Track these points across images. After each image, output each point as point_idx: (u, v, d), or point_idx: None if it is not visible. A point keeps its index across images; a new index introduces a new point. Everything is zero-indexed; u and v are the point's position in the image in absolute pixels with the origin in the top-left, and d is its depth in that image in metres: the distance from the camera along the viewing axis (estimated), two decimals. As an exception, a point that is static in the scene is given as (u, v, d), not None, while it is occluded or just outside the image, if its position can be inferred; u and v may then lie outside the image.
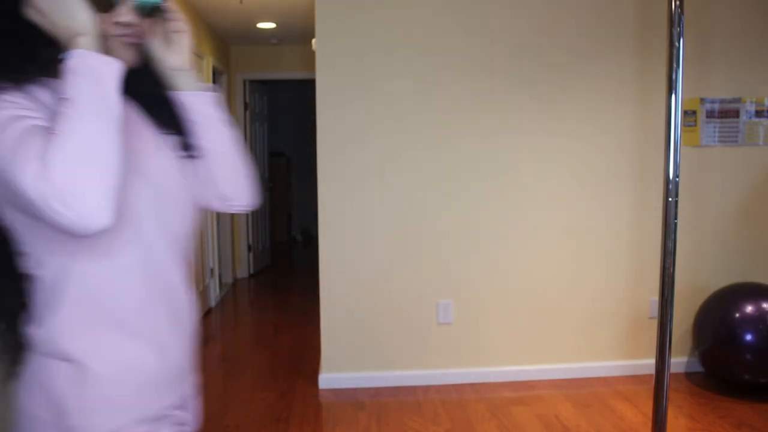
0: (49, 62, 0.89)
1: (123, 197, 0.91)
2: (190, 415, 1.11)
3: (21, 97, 0.88)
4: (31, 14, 0.90)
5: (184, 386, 1.07)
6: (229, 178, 1.12)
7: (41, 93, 0.90)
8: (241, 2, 4.38)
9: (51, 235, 0.91)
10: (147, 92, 1.07)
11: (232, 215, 6.14)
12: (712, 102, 3.48)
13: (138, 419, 0.97)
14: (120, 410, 0.95)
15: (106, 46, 0.94)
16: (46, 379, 0.93)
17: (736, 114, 3.50)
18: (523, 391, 3.34)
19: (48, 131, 0.83)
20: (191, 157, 1.09)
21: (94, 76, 0.86)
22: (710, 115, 3.49)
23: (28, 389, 0.95)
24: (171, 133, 1.08)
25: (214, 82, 5.51)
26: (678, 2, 2.03)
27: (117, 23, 0.96)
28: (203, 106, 1.10)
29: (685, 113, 3.48)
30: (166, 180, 1.03)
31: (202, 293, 4.87)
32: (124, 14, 0.97)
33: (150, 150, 1.03)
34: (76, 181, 0.80)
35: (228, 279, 6.11)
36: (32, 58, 0.90)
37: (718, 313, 3.24)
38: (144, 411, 0.98)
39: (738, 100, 3.49)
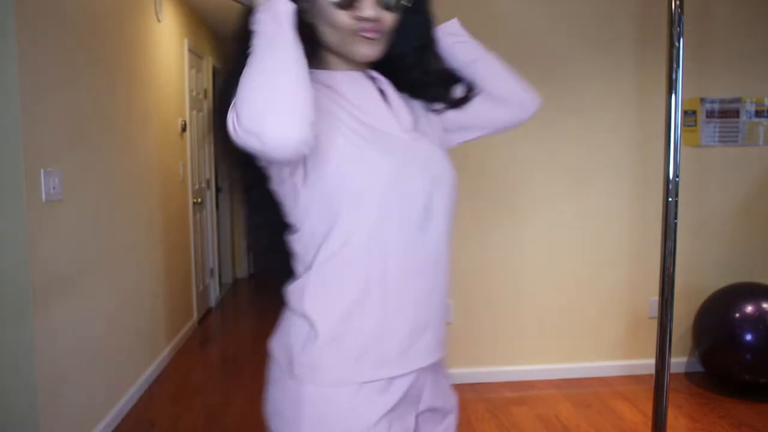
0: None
1: (373, 174, 0.98)
2: (426, 398, 1.10)
3: None
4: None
5: (413, 364, 1.04)
6: (511, 86, 1.18)
7: None
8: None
9: (308, 204, 0.99)
10: (408, 76, 1.11)
11: (232, 215, 6.14)
12: (712, 102, 3.48)
13: (355, 383, 1.00)
14: (339, 371, 1.00)
15: (348, 41, 1.01)
16: (288, 329, 1.04)
17: (736, 114, 3.50)
18: (523, 391, 3.34)
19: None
20: (471, 96, 1.15)
21: (264, 26, 0.89)
22: (710, 115, 3.49)
23: (276, 336, 1.07)
24: (446, 98, 1.14)
25: (214, 82, 5.51)
26: (678, 2, 2.03)
27: (359, 18, 0.99)
28: (456, 30, 1.18)
29: (685, 113, 3.48)
30: (419, 155, 1.04)
31: (202, 293, 4.87)
32: (367, 9, 0.98)
33: (399, 131, 1.05)
34: (260, 120, 0.83)
35: (228, 279, 6.11)
36: None
37: (718, 313, 3.24)
38: (362, 377, 1.00)
39: (738, 100, 3.49)
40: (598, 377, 3.49)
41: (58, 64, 2.43)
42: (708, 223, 3.54)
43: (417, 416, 1.11)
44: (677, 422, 2.92)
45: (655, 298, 3.42)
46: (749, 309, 3.12)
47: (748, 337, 3.06)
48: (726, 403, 3.14)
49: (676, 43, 2.05)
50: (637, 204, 3.48)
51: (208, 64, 5.19)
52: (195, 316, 4.60)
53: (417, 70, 1.12)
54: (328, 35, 1.02)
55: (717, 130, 3.50)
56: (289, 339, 1.03)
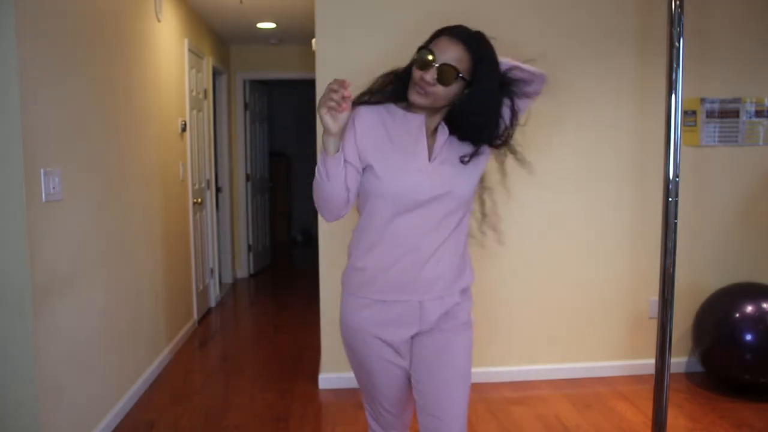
0: None
1: (389, 180, 1.57)
2: (426, 323, 1.67)
3: None
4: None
5: (411, 293, 1.63)
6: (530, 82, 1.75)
7: None
8: (241, 2, 4.37)
9: (361, 189, 1.65)
10: (463, 131, 1.62)
11: (232, 215, 6.14)
12: (712, 102, 3.48)
13: (376, 300, 1.64)
14: (366, 292, 1.65)
15: (410, 89, 1.56)
16: (347, 268, 1.71)
17: (736, 114, 3.50)
18: (523, 391, 3.34)
19: None
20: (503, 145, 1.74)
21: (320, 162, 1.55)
22: (710, 115, 3.49)
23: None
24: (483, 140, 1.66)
25: (214, 82, 5.51)
26: (678, 2, 2.03)
27: (422, 78, 1.51)
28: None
29: (685, 113, 3.48)
30: (434, 176, 1.59)
31: (202, 293, 4.87)
32: (428, 75, 1.51)
33: (425, 159, 1.61)
34: (319, 212, 1.65)
35: (228, 279, 6.11)
36: None
37: (718, 313, 3.24)
38: (381, 297, 1.63)
39: (738, 100, 3.49)
40: (598, 377, 3.49)
41: (58, 64, 2.43)
42: (708, 223, 3.54)
43: (416, 334, 1.67)
44: (677, 422, 2.92)
45: (655, 298, 3.42)
46: (749, 309, 3.12)
47: (748, 337, 3.06)
48: (726, 403, 3.14)
49: (676, 43, 2.05)
50: (637, 204, 3.49)
51: (208, 64, 5.18)
52: (195, 316, 4.60)
53: (471, 131, 1.62)
54: (410, 86, 1.57)
55: (717, 130, 3.50)
56: (347, 263, 1.70)
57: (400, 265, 1.61)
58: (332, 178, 1.53)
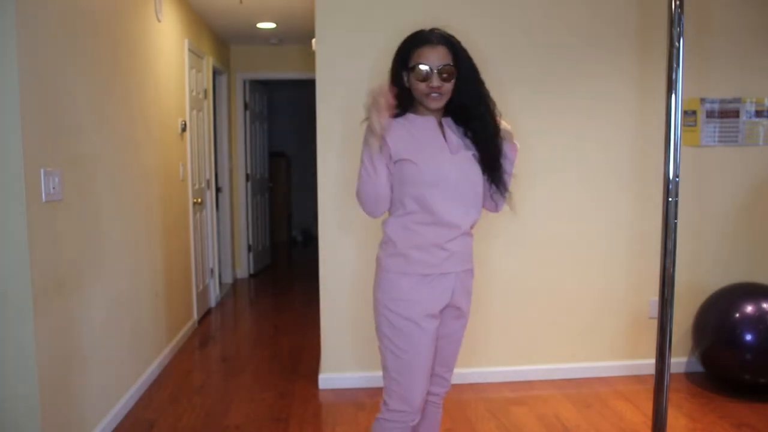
0: None
1: (421, 171, 1.81)
2: (456, 294, 1.92)
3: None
4: None
5: (449, 266, 1.88)
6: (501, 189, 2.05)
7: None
8: (241, 2, 4.37)
9: (395, 182, 1.88)
10: (466, 119, 1.92)
11: (232, 215, 6.14)
12: (712, 102, 3.48)
13: (417, 273, 1.85)
14: (400, 268, 1.86)
15: (424, 99, 1.83)
16: (384, 244, 1.93)
17: (736, 114, 3.50)
18: (523, 391, 3.34)
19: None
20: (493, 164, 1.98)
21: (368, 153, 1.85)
22: (710, 115, 3.49)
23: (380, 247, 1.95)
24: (479, 148, 1.92)
25: (214, 82, 5.51)
26: (678, 2, 2.03)
27: (430, 87, 1.79)
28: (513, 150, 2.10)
29: (685, 113, 3.48)
30: (456, 162, 1.86)
31: (202, 293, 4.87)
32: (434, 81, 1.79)
33: (446, 151, 1.87)
34: (360, 203, 1.92)
35: (228, 279, 6.11)
36: None
37: (718, 313, 3.24)
38: (420, 271, 1.85)
39: (738, 100, 3.49)
40: (598, 377, 3.49)
41: (58, 64, 2.43)
42: (708, 223, 3.54)
43: (445, 307, 1.90)
44: (677, 422, 2.92)
45: (655, 298, 3.42)
46: (749, 309, 3.12)
47: (748, 337, 3.06)
48: (726, 403, 3.14)
49: (676, 43, 2.05)
50: (637, 204, 3.48)
51: (208, 64, 5.18)
52: (195, 316, 4.60)
53: (472, 119, 1.90)
54: (417, 95, 1.84)
55: (717, 130, 3.50)
56: (383, 250, 1.91)
57: (444, 241, 1.85)
58: (378, 172, 1.82)
